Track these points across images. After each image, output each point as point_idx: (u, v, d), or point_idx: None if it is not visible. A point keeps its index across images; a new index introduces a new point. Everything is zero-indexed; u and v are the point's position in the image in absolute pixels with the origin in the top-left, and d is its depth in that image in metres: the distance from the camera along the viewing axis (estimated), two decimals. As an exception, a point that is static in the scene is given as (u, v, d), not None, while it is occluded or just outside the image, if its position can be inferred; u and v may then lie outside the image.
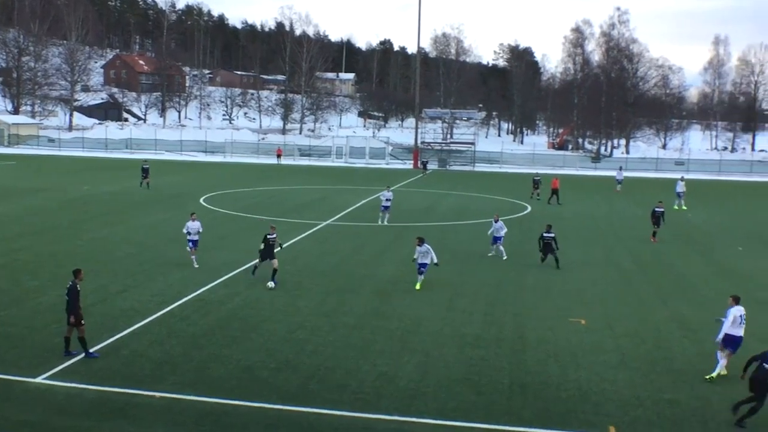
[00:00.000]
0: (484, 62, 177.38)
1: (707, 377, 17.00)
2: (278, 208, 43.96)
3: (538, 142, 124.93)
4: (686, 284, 27.05)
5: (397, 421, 14.43)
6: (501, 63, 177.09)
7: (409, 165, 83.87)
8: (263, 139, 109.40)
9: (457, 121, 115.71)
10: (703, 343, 19.70)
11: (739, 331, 17.09)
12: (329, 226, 37.84)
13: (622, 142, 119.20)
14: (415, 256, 25.16)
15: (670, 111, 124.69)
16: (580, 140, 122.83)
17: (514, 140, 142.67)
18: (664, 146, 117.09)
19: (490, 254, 30.87)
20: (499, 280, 26.63)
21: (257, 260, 25.63)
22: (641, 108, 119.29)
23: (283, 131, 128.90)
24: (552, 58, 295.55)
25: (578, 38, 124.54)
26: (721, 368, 17.10)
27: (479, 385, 16.35)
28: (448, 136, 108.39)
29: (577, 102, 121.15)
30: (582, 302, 23.76)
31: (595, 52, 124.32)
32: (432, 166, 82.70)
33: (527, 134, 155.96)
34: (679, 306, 23.66)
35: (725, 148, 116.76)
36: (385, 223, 38.00)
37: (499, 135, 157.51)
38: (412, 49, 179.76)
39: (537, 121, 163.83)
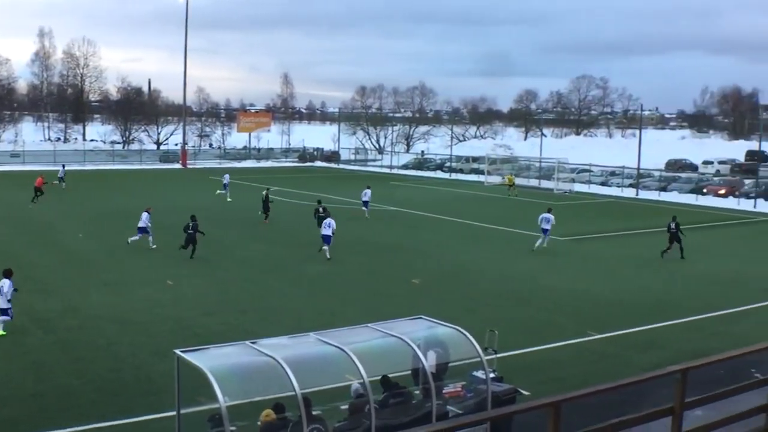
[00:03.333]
0: None
1: None
2: None
3: None
4: (33, 275, 26.84)
5: None
6: None
7: None
8: None
9: None
10: (57, 331, 20.22)
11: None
12: None
13: None
14: None
15: (1, 103, 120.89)
16: None
17: None
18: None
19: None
20: None
21: None
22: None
23: None
24: None
25: None
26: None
27: None
28: None
29: None
30: None
31: None
32: None
33: None
34: (27, 298, 23.51)
35: (59, 139, 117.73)
36: None
37: None
38: None
39: None
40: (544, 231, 34.28)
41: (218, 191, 53.03)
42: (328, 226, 31.19)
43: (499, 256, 33.36)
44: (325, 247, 31.04)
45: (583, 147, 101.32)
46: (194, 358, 11.49)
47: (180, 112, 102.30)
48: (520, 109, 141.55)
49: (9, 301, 19.82)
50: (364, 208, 44.47)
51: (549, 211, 34.90)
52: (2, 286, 19.69)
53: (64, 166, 62.41)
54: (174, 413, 12.17)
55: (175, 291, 25.28)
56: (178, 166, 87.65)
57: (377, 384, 12.41)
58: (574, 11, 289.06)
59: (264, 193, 42.39)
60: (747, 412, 10.35)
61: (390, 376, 12.95)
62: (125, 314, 22.16)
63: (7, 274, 20.08)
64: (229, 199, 51.77)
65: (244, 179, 69.41)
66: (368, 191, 45.04)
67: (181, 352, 11.76)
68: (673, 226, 33.18)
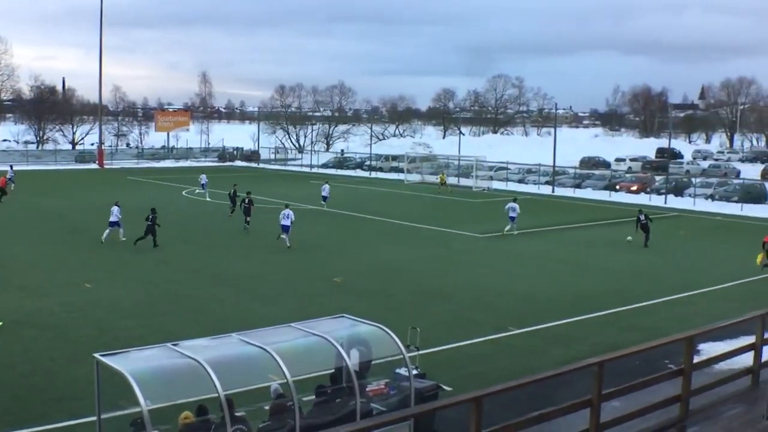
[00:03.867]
0: None
1: None
2: None
3: None
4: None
5: None
6: None
7: None
8: None
9: None
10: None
11: None
12: None
13: None
14: None
15: None
16: None
17: None
18: None
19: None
20: None
21: None
22: None
23: None
24: None
25: None
26: None
27: None
28: None
29: None
30: None
31: None
32: None
33: None
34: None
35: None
36: None
37: None
38: None
39: None
40: (511, 218, 38.76)
41: (197, 191, 52.34)
42: (287, 217, 33.26)
43: (421, 254, 33.63)
44: (284, 236, 33.07)
45: (500, 145, 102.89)
46: (114, 361, 11.30)
47: (96, 112, 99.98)
48: (438, 107, 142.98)
49: None
50: (322, 202, 47.55)
51: (515, 201, 39.79)
52: None
53: (12, 167, 60.06)
54: (95, 418, 11.95)
55: (94, 294, 24.75)
56: (94, 166, 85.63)
57: (299, 384, 12.39)
58: (490, 11, 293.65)
59: (233, 189, 44.06)
60: (662, 402, 10.74)
61: (328, 373, 13.00)
62: (42, 318, 21.60)
63: None
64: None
65: (162, 179, 68.44)
66: (326, 186, 48.19)
67: (101, 355, 11.56)
68: (642, 217, 36.37)
